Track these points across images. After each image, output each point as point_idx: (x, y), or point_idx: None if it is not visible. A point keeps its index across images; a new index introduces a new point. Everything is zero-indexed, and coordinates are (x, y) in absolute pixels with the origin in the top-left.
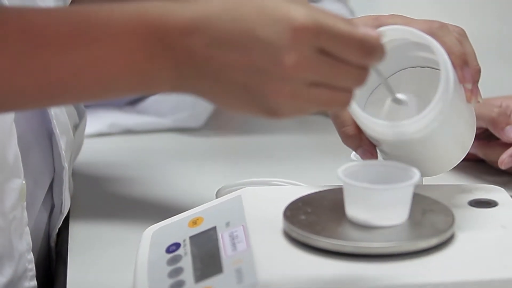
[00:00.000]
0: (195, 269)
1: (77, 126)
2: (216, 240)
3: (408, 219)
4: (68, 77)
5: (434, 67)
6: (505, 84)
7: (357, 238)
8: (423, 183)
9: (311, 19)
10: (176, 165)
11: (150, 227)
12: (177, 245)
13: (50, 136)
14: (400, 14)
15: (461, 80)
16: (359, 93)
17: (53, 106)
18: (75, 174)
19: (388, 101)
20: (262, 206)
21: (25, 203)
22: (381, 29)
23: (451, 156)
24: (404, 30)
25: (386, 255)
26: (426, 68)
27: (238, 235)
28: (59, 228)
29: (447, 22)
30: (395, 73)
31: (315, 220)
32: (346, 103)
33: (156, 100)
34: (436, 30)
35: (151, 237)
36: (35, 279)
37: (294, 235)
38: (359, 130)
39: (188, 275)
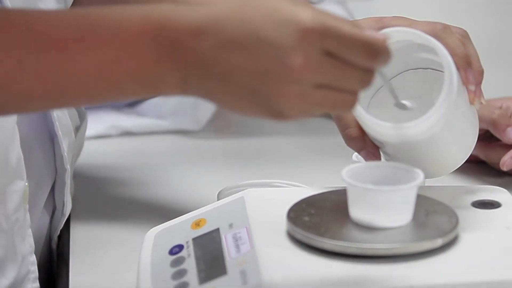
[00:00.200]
0: (199, 270)
1: (79, 128)
2: (219, 241)
3: (412, 220)
4: (75, 79)
5: (437, 69)
6: (506, 86)
7: (361, 239)
8: (425, 185)
9: (318, 21)
10: (176, 167)
11: (152, 228)
12: (180, 247)
13: (52, 138)
14: (403, 16)
15: (465, 81)
16: (362, 94)
17: (60, 109)
18: (75, 176)
19: (391, 103)
20: (265, 207)
21: (27, 205)
22: (385, 30)
23: (454, 157)
24: (408, 32)
25: (390, 256)
26: (429, 69)
27: (242, 236)
28: (60, 230)
29: (448, 24)
30: (398, 74)
31: (319, 222)
32: (351, 105)
33: (156, 103)
34: (439, 31)
35: (154, 238)
36: (37, 281)
37: (298, 236)
38: (362, 132)
39: (192, 276)
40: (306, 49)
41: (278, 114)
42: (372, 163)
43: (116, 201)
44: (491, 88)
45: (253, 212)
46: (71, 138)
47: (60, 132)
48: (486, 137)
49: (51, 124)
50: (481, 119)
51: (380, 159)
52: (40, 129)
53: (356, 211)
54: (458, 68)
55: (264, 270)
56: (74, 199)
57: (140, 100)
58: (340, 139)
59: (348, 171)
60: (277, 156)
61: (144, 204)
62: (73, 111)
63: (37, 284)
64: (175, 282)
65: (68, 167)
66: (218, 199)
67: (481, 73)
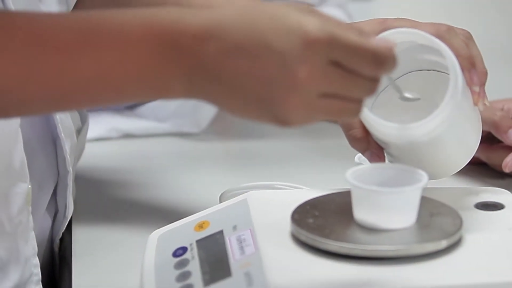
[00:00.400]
0: (203, 273)
1: (80, 130)
2: (223, 243)
3: (416, 222)
4: (77, 83)
5: (440, 70)
6: (507, 87)
7: (365, 241)
8: (427, 186)
9: (324, 31)
10: (178, 169)
11: (155, 231)
12: (184, 249)
13: (54, 141)
14: (406, 18)
15: (469, 83)
16: None
17: (62, 111)
18: (76, 178)
19: (395, 104)
20: (268, 209)
21: (30, 208)
22: (390, 31)
23: (458, 159)
24: (412, 33)
25: (395, 258)
26: (432, 71)
27: (246, 238)
28: (62, 233)
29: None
30: (401, 76)
31: (323, 223)
32: (356, 112)
33: (156, 105)
34: (444, 33)
35: (157, 240)
36: (40, 283)
37: (302, 238)
38: (366, 133)
39: (196, 279)
40: (312, 59)
41: (282, 120)
42: (376, 165)
43: (117, 203)
44: (492, 90)
45: (257, 214)
46: (73, 140)
47: (62, 135)
48: (488, 139)
49: (53, 126)
50: (482, 121)
51: (384, 160)
52: (43, 131)
53: (361, 213)
54: (462, 69)
55: (269, 272)
56: (75, 202)
57: (140, 103)
58: (342, 141)
59: (352, 173)
60: (278, 158)
61: (145, 206)
62: (75, 113)
63: (40, 286)
64: (180, 284)
65: (70, 169)
66: (220, 201)
67: (485, 74)
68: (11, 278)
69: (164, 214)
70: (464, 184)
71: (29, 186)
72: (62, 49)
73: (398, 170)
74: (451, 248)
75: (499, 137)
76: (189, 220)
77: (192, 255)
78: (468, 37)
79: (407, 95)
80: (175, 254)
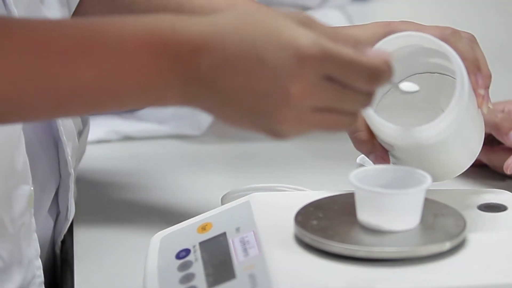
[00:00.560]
0: (207, 274)
1: (81, 132)
2: (226, 245)
3: (420, 223)
4: (76, 90)
5: (444, 73)
6: (508, 89)
7: (369, 242)
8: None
9: (317, 47)
10: (178, 171)
11: (158, 233)
12: (187, 251)
13: (56, 143)
14: (410, 21)
15: (474, 86)
16: None
17: (61, 118)
18: (77, 181)
19: (397, 106)
20: (271, 211)
21: (33, 210)
22: (396, 35)
23: (461, 161)
24: (418, 36)
25: (399, 259)
26: (436, 74)
27: (249, 240)
28: (63, 235)
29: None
30: (405, 78)
31: (327, 225)
32: (350, 124)
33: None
34: (449, 36)
35: (160, 243)
36: (43, 285)
37: (306, 240)
38: (371, 135)
39: (200, 281)
40: (305, 74)
41: (275, 133)
42: (380, 167)
43: (119, 205)
44: (493, 92)
45: (260, 216)
46: (75, 142)
47: (64, 137)
48: (489, 141)
49: (55, 129)
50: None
51: (389, 162)
52: (45, 134)
53: (364, 215)
54: (468, 73)
55: (273, 274)
56: (76, 204)
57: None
58: (343, 144)
59: (355, 175)
60: (279, 160)
61: (146, 208)
62: None
63: None
64: (183, 286)
65: (72, 171)
66: (222, 203)
67: (489, 77)
68: (14, 280)
69: (165, 216)
70: (465, 186)
71: (32, 188)
72: (60, 56)
73: (401, 172)
74: (455, 250)
75: (500, 139)
76: (192, 222)
77: (196, 257)
78: (473, 40)
79: (404, 88)
80: (178, 256)
